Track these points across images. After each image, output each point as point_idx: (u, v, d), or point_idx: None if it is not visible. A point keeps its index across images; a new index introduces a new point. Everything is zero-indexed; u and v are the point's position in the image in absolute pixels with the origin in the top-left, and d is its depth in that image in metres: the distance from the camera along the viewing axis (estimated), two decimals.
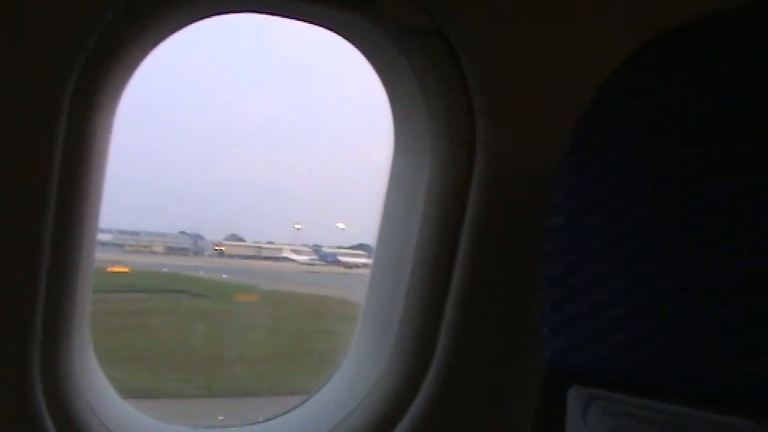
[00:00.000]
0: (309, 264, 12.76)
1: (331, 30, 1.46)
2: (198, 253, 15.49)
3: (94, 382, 1.38)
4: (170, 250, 14.96)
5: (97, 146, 1.25)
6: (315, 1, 1.33)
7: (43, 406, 1.22)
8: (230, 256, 15.33)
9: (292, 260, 13.34)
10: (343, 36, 1.48)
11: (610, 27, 1.45)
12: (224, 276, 11.91)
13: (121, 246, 13.84)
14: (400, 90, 1.61)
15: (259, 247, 15.53)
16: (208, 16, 1.34)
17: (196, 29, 1.39)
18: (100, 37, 1.17)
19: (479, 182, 1.54)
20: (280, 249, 14.25)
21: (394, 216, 1.70)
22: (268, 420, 1.65)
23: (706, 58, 1.07)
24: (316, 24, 1.43)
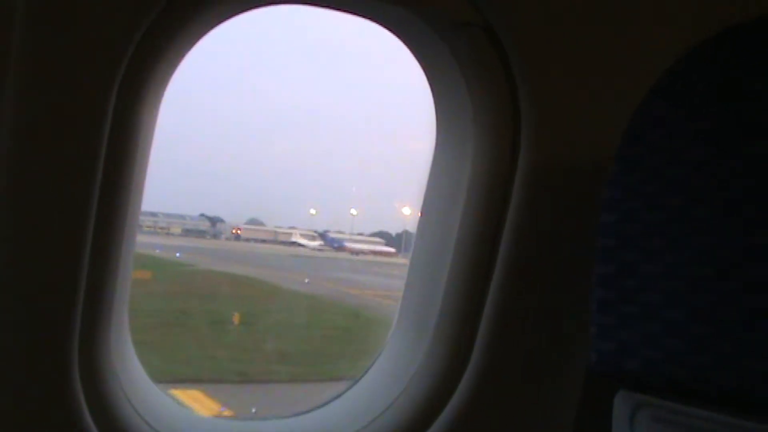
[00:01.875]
0: (318, 249, 12.80)
1: (375, 21, 1.43)
2: (215, 236, 15.53)
3: (132, 373, 1.38)
4: (187, 233, 15.01)
5: (141, 138, 1.25)
6: None
7: (82, 398, 1.22)
8: (246, 239, 15.36)
9: (302, 245, 13.40)
10: (387, 28, 1.46)
11: (663, 25, 1.40)
12: (177, 255, 11.97)
13: (138, 227, 13.73)
14: (445, 83, 1.52)
15: (275, 232, 15.55)
16: (251, 8, 1.33)
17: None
18: (145, 34, 1.17)
19: (522, 178, 1.44)
20: (288, 234, 14.23)
21: (435, 210, 1.61)
22: (301, 414, 1.61)
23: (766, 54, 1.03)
24: (359, 15, 1.41)
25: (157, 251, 11.54)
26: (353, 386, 1.66)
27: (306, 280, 10.77)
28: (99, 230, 1.21)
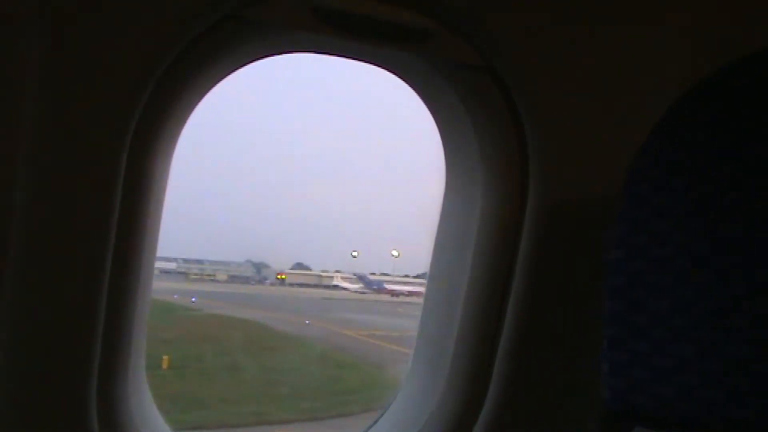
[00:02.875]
0: (360, 292, 12.84)
1: (383, 67, 1.46)
2: (260, 281, 15.63)
3: (150, 419, 1.40)
4: (233, 279, 15.13)
5: (155, 190, 1.28)
6: (366, 40, 1.34)
7: None
8: (290, 284, 15.42)
9: (344, 288, 13.49)
10: (395, 73, 1.48)
11: (666, 63, 1.40)
12: (192, 300, 12.32)
13: (184, 274, 14.11)
14: (452, 125, 1.51)
15: (320, 276, 15.59)
16: (260, 58, 1.37)
17: (262, 68, 1.42)
18: (158, 83, 1.20)
19: (532, 216, 1.42)
20: (331, 277, 14.33)
21: (446, 250, 1.60)
22: None
23: None
24: (367, 62, 1.44)
25: (175, 297, 11.89)
26: (372, 427, 1.63)
27: (307, 322, 11.09)
28: (114, 282, 1.23)
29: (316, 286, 13.90)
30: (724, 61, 1.07)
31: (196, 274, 13.99)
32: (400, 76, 1.48)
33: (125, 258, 1.23)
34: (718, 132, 1.02)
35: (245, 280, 13.94)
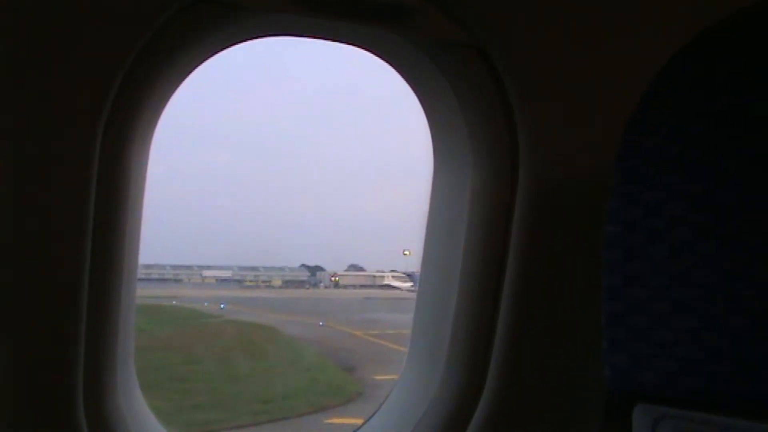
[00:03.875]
0: (411, 290, 12.98)
1: (367, 49, 1.43)
2: (315, 285, 15.84)
3: (140, 418, 1.39)
4: (287, 284, 15.36)
5: (133, 179, 1.26)
6: (347, 19, 1.31)
7: None
8: (344, 286, 15.60)
9: (395, 287, 13.71)
10: (378, 54, 1.45)
11: (650, 32, 1.36)
12: (222, 306, 12.79)
13: (240, 281, 14.39)
14: (438, 105, 1.48)
15: (373, 276, 15.76)
16: (237, 43, 1.35)
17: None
18: (132, 68, 1.19)
19: (524, 194, 1.38)
20: (383, 277, 14.57)
21: (438, 236, 1.56)
22: None
23: (758, 48, 0.98)
24: (350, 43, 1.41)
25: (205, 304, 12.30)
26: (370, 419, 1.59)
27: (320, 324, 11.38)
28: (94, 279, 1.21)
29: (370, 286, 13.97)
30: (702, 26, 1.04)
31: (251, 281, 14.22)
32: (383, 58, 1.45)
33: (105, 254, 1.21)
34: (714, 95, 0.99)
35: (299, 285, 14.10)
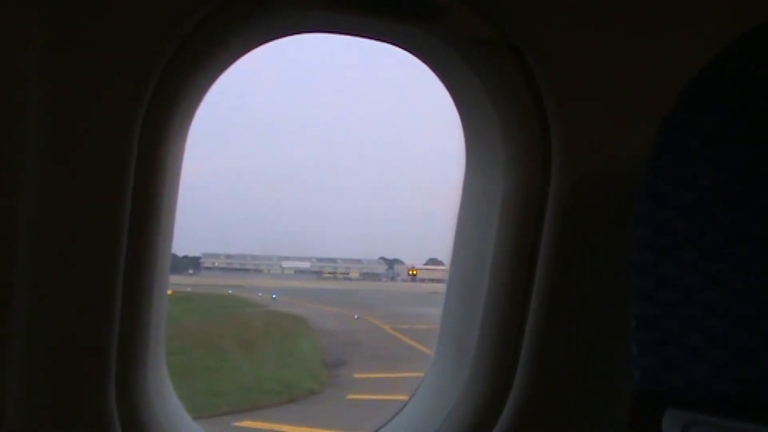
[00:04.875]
0: None
1: (399, 46, 1.42)
2: (392, 278, 15.96)
3: (170, 409, 1.41)
4: (365, 276, 15.55)
5: (168, 177, 1.29)
6: (379, 16, 1.30)
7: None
8: (422, 279, 15.67)
9: None
10: (410, 51, 1.44)
11: (690, 30, 1.32)
12: (273, 296, 12.93)
13: (318, 273, 14.65)
14: (471, 104, 1.46)
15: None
16: (270, 40, 1.36)
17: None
18: (166, 69, 1.21)
19: (556, 196, 1.36)
20: None
21: (468, 235, 1.54)
22: None
23: None
24: (382, 40, 1.40)
25: (259, 294, 12.55)
26: (394, 417, 1.57)
27: (356, 317, 11.56)
28: (129, 273, 1.24)
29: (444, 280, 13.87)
30: (746, 26, 0.99)
31: (330, 273, 14.43)
32: (416, 55, 1.44)
33: (140, 249, 1.24)
34: (751, 95, 0.95)
35: (377, 277, 14.21)
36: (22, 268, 1.16)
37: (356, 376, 8.87)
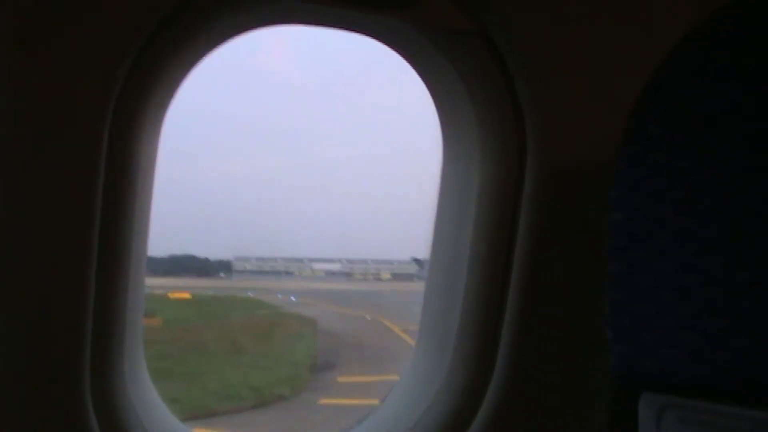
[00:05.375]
0: None
1: (371, 36, 1.42)
2: (424, 278, 15.89)
3: (150, 404, 1.41)
4: (396, 277, 15.54)
5: (141, 170, 1.28)
6: (349, 6, 1.30)
7: (96, 426, 1.25)
8: None
9: None
10: (383, 41, 1.44)
11: (659, 15, 1.32)
12: (292, 298, 13.09)
13: (348, 274, 14.69)
14: (445, 93, 1.47)
15: None
16: (242, 32, 1.36)
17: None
18: (138, 56, 1.18)
19: (531, 182, 1.37)
20: None
21: (446, 224, 1.55)
22: None
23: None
24: (354, 31, 1.40)
25: (279, 296, 12.62)
26: (377, 409, 1.58)
27: (368, 318, 11.59)
28: (101, 267, 1.23)
29: None
30: (711, 10, 0.99)
31: (360, 274, 14.44)
32: (390, 46, 1.44)
33: (112, 245, 1.24)
34: (718, 81, 0.95)
35: (408, 278, 14.17)
36: None
37: (340, 379, 8.77)
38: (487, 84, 1.35)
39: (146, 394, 1.39)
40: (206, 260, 14.51)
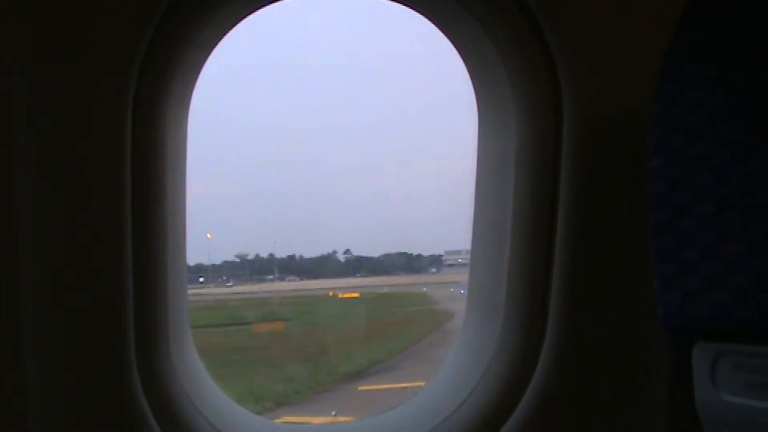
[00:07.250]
0: None
1: (402, 3, 1.43)
2: None
3: (197, 381, 1.41)
4: None
5: (169, 146, 1.30)
6: None
7: (143, 397, 1.26)
8: None
9: None
10: (415, 8, 1.45)
11: None
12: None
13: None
14: (479, 59, 1.46)
15: None
16: (261, 6, 1.35)
17: None
18: (155, 37, 1.22)
19: (569, 140, 1.36)
20: None
21: (487, 192, 1.55)
22: (383, 413, 1.58)
23: None
24: None
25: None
26: (432, 381, 1.60)
27: None
28: (138, 246, 1.26)
29: None
30: None
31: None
32: (421, 12, 1.44)
33: (146, 222, 1.25)
34: (753, 12, 0.92)
35: None
36: (24, 260, 1.20)
37: (360, 389, 8.43)
38: (521, 48, 1.35)
39: (196, 374, 1.42)
40: (418, 256, 14.57)
